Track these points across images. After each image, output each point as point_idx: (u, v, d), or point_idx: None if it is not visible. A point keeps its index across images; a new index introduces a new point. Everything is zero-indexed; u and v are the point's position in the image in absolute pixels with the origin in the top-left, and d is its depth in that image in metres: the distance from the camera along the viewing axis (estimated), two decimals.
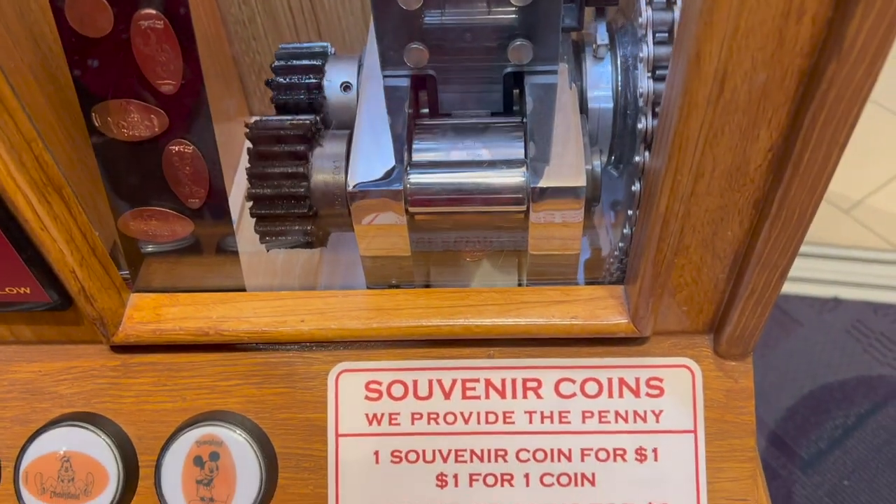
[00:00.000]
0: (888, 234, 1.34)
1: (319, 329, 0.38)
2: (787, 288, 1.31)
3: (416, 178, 0.36)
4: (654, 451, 0.38)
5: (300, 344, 0.39)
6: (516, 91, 0.40)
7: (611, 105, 0.41)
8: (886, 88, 1.45)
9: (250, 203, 0.39)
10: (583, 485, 0.39)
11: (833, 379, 1.22)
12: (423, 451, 0.39)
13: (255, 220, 0.39)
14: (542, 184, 0.36)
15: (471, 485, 0.39)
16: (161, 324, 0.38)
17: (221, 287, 0.40)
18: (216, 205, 0.38)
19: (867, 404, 1.20)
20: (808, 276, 1.32)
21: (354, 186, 0.36)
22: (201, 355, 0.40)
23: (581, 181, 0.36)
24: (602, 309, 0.38)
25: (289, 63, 0.43)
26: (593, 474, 0.39)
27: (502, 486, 0.39)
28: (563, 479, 0.39)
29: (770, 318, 1.27)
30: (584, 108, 0.40)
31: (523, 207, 0.37)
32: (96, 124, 0.35)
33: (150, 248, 0.41)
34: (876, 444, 1.16)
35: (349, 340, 0.39)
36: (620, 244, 0.40)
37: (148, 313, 0.39)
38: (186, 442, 0.38)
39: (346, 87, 0.42)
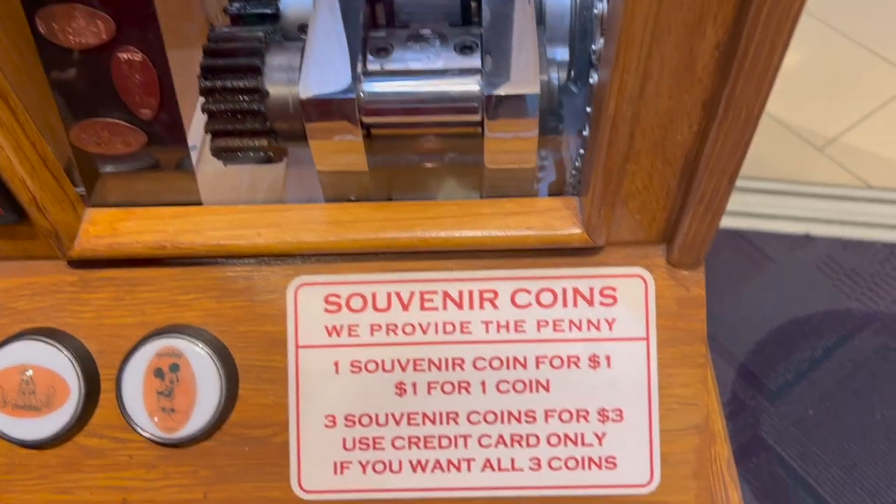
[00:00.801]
0: (860, 172, 1.35)
1: (276, 242, 0.38)
2: (760, 225, 1.33)
3: (369, 86, 0.36)
4: (607, 357, 0.39)
5: (258, 258, 0.40)
6: (474, 3, 0.40)
7: (568, 19, 0.40)
8: (861, 26, 1.44)
9: (204, 117, 0.39)
10: (537, 391, 0.40)
11: (802, 313, 1.24)
12: (382, 361, 0.40)
13: (210, 135, 0.39)
14: (497, 91, 0.36)
15: (429, 392, 0.40)
16: (117, 238, 0.38)
17: (178, 204, 0.40)
18: (168, 116, 0.37)
19: (834, 337, 1.22)
20: (781, 214, 1.33)
21: (307, 97, 0.36)
22: (159, 270, 0.40)
23: (535, 89, 0.36)
24: (557, 220, 0.38)
25: None
26: (548, 381, 0.40)
27: (459, 393, 0.40)
28: (519, 386, 0.40)
29: (742, 255, 1.28)
30: (542, 20, 0.40)
31: (478, 117, 0.37)
32: (41, 31, 0.34)
33: (108, 168, 0.41)
34: (841, 375, 1.19)
35: (307, 254, 0.39)
36: (577, 163, 0.40)
37: (104, 227, 0.39)
38: (146, 354, 0.39)
39: (302, 28, 0.42)
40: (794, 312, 1.25)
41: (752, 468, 1.11)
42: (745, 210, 1.34)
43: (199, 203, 0.41)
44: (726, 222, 1.34)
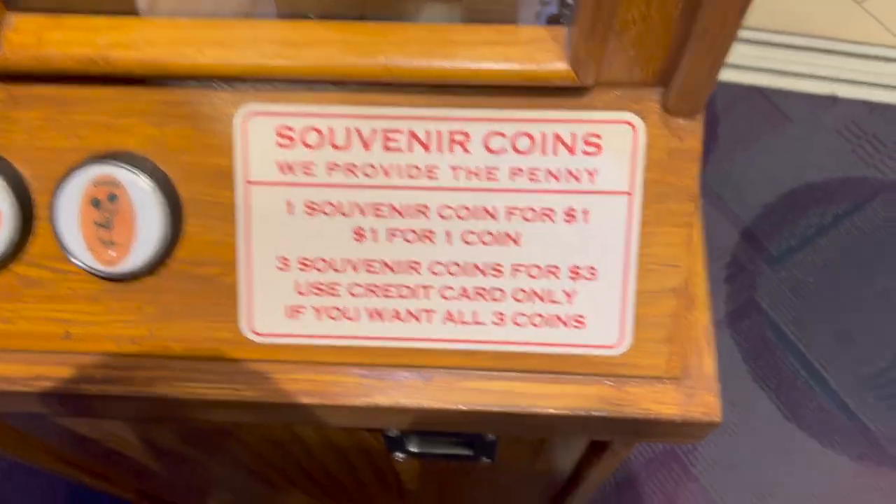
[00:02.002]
0: None
1: (220, 63, 0.34)
2: (783, 83, 1.25)
3: None
4: (585, 212, 0.36)
5: (201, 80, 0.35)
6: None
7: None
8: None
9: None
10: (506, 244, 0.36)
11: (816, 178, 1.20)
12: (340, 204, 0.37)
13: None
14: None
15: (389, 240, 0.37)
16: (43, 49, 0.34)
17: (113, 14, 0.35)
18: None
19: (846, 205, 1.18)
20: (807, 72, 1.25)
21: None
22: (94, 89, 0.36)
23: None
24: (540, 52, 0.34)
25: None
26: (518, 234, 0.36)
27: (422, 242, 0.37)
28: (487, 238, 0.37)
29: (760, 114, 1.22)
30: None
31: None
32: None
33: None
34: (847, 244, 1.16)
35: (255, 78, 0.35)
36: None
37: (29, 37, 0.34)
38: (81, 181, 0.35)
39: None
40: (807, 177, 1.20)
41: (744, 331, 1.11)
42: (767, 66, 1.25)
43: (137, 14, 0.36)
44: (746, 78, 1.26)
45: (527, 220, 0.36)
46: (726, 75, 1.24)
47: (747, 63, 1.24)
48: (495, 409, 0.38)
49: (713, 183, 1.17)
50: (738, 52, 1.25)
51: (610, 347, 0.37)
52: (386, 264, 0.37)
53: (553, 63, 0.33)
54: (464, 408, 0.38)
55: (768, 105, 1.22)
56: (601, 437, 0.42)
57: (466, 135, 0.36)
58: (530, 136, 0.35)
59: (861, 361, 1.07)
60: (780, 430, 1.02)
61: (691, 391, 0.38)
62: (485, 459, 0.56)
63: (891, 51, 1.26)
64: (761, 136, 1.21)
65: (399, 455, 0.55)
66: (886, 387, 1.04)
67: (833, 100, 1.23)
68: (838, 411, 1.03)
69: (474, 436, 0.52)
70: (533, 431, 0.40)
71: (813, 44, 1.26)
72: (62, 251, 0.37)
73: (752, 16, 1.16)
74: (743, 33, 1.21)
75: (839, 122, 1.22)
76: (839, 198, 1.18)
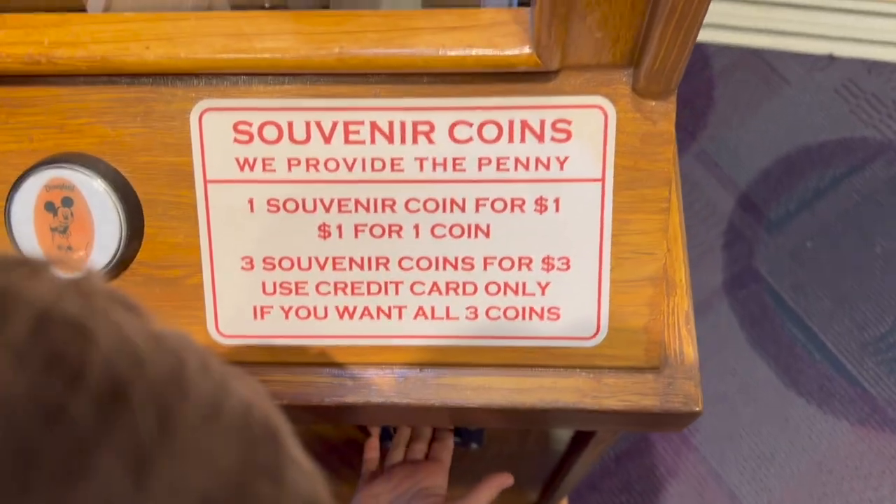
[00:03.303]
0: None
1: (168, 58, 0.32)
2: (778, 43, 1.22)
3: None
4: (556, 201, 0.35)
5: (152, 77, 0.34)
6: None
7: None
8: None
9: None
10: (476, 236, 0.35)
11: (813, 141, 1.17)
12: (303, 200, 0.35)
13: None
14: None
15: (356, 236, 0.36)
16: None
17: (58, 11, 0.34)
18: None
19: (844, 167, 1.16)
20: (803, 31, 1.22)
21: None
22: (43, 90, 0.35)
23: None
24: (502, 37, 0.32)
25: None
26: (488, 226, 0.35)
27: (390, 237, 0.36)
28: (456, 231, 0.35)
29: (756, 76, 1.19)
30: None
31: None
32: None
33: None
34: (846, 207, 1.14)
35: (206, 73, 0.33)
36: None
37: None
38: (33, 186, 0.34)
39: None
40: (805, 140, 1.18)
41: (742, 298, 1.09)
42: (763, 26, 1.22)
43: (83, 10, 0.35)
44: (741, 40, 1.23)
45: (497, 210, 0.35)
46: (723, 38, 1.21)
47: (744, 24, 1.21)
48: (470, 405, 0.37)
49: (710, 149, 1.15)
50: (735, 13, 1.22)
51: (586, 339, 0.36)
52: (353, 261, 0.36)
53: (516, 48, 0.32)
54: (438, 405, 0.37)
55: (766, 67, 1.19)
56: (580, 427, 0.41)
57: (431, 125, 0.34)
58: (497, 125, 0.34)
59: (861, 326, 1.06)
60: (780, 398, 1.01)
61: (671, 381, 0.37)
62: (473, 445, 0.56)
63: (890, 6, 1.22)
64: (759, 99, 1.18)
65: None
66: (887, 351, 1.03)
67: (830, 59, 1.20)
68: (838, 376, 1.02)
69: None
70: (511, 424, 0.39)
71: (810, 1, 1.23)
72: None
73: None
74: None
75: (837, 81, 1.19)
76: (837, 160, 1.16)
